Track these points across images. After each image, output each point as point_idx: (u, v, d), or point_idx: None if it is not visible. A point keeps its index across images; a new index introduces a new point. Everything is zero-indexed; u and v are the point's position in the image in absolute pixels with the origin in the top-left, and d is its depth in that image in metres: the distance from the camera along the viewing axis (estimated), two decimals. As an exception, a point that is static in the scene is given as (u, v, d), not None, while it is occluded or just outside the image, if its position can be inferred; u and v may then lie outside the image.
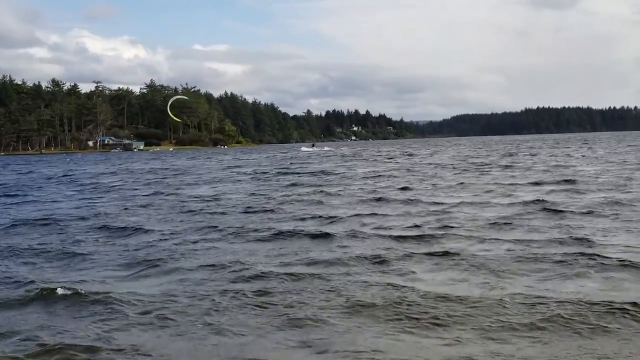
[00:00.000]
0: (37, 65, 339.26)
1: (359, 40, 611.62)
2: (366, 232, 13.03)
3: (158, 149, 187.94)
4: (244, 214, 16.97)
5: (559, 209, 15.58)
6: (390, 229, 13.46)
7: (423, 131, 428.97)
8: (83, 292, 8.43)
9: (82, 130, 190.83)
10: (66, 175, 40.30)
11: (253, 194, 23.33)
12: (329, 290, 8.38)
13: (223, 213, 17.34)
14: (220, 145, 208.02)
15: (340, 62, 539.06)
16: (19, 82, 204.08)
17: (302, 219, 15.33)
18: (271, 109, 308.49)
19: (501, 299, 7.78)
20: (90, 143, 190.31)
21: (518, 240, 11.66)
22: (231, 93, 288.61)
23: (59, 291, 8.40)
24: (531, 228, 13.09)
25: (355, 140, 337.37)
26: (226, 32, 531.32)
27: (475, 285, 8.58)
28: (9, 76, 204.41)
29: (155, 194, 25.46)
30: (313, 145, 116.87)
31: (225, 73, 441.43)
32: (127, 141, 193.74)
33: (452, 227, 13.40)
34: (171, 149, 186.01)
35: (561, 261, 9.72)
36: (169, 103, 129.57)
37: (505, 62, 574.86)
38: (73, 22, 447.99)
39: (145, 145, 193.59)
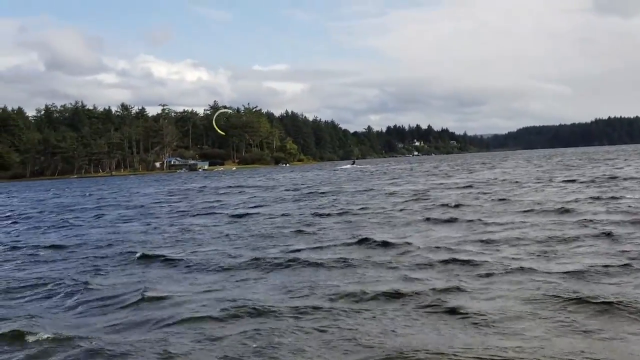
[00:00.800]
0: (106, 90, 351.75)
1: (415, 54, 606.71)
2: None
3: (222, 168, 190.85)
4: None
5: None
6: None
7: (488, 145, 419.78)
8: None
9: (150, 152, 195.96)
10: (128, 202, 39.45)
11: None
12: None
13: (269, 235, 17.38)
14: (282, 164, 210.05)
15: (397, 76, 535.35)
16: (90, 108, 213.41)
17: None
18: (331, 126, 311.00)
19: None
20: (158, 164, 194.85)
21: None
22: (291, 112, 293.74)
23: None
24: None
25: (417, 155, 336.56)
26: (284, 51, 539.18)
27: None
28: (81, 102, 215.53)
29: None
30: (353, 163, 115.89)
31: (285, 92, 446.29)
32: (192, 161, 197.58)
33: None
34: (234, 168, 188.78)
35: None
36: (214, 117, 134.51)
37: (570, 70, 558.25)
38: (138, 48, 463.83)
39: (209, 165, 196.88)
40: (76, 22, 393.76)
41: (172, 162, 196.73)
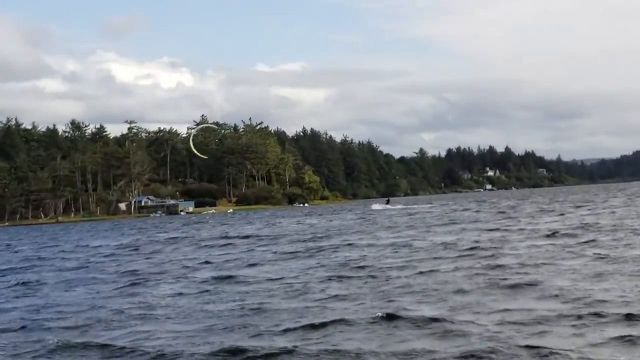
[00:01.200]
0: (49, 102, 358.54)
1: (487, 48, 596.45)
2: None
3: (212, 210, 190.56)
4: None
5: None
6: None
7: (591, 174, 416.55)
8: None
9: (112, 189, 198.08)
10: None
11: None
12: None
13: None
14: (299, 203, 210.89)
15: (461, 78, 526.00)
16: (28, 127, 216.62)
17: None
18: (368, 149, 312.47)
19: None
20: (123, 205, 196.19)
21: None
22: (311, 129, 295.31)
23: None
24: None
25: (491, 189, 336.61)
26: (299, 44, 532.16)
27: None
28: (15, 119, 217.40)
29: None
30: (387, 202, 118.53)
31: (301, 102, 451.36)
32: (172, 201, 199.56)
33: None
34: (230, 210, 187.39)
35: None
36: (191, 135, 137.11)
37: None
38: (93, 42, 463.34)
39: (195, 206, 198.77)
40: (8, 9, 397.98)
41: (143, 203, 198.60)
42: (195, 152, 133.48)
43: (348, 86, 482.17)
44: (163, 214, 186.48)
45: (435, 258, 27.22)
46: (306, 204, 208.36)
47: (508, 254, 26.96)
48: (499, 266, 23.05)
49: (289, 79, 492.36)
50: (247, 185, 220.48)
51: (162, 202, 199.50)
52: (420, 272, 22.75)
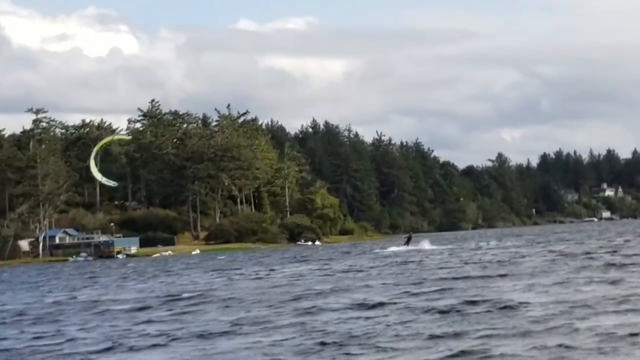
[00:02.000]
0: None
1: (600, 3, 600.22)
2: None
3: (168, 252, 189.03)
4: None
5: None
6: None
7: None
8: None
9: (7, 218, 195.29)
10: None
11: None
12: None
13: None
14: (305, 241, 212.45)
15: (562, 44, 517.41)
16: None
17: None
18: (416, 154, 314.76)
19: None
20: (25, 244, 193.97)
21: None
22: (325, 123, 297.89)
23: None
24: None
25: (610, 219, 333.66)
26: None
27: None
28: None
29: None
30: (408, 240, 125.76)
31: (308, 79, 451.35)
32: (103, 238, 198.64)
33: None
34: (195, 252, 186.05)
35: None
36: (96, 149, 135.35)
37: None
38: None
39: (142, 245, 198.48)
40: None
41: (57, 240, 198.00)
42: (100, 177, 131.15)
43: (381, 55, 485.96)
44: (89, 257, 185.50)
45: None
46: (317, 242, 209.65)
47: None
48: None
49: (288, 44, 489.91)
50: (223, 212, 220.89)
51: (87, 238, 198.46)
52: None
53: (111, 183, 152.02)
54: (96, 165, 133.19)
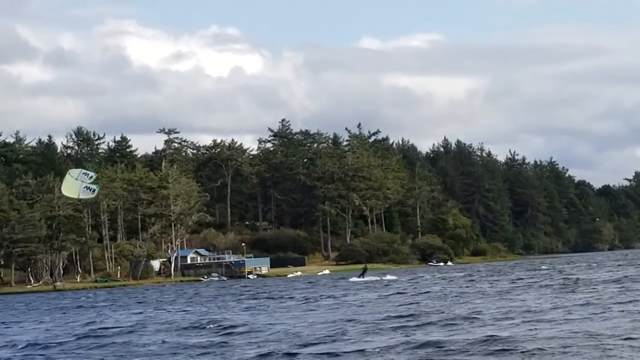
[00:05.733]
0: (27, 99, 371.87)
1: None
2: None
3: (298, 272, 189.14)
4: None
5: None
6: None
7: None
8: None
9: (140, 238, 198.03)
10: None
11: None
12: None
13: None
14: (437, 261, 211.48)
15: None
16: (9, 140, 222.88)
17: None
18: (550, 174, 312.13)
19: None
20: (156, 264, 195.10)
21: None
22: (457, 142, 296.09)
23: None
24: None
25: None
26: (428, 5, 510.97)
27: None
28: None
29: None
30: (363, 272, 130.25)
31: (432, 98, 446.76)
32: (234, 258, 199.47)
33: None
34: (324, 272, 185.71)
35: None
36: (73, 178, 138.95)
37: None
38: (97, 4, 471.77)
39: (273, 265, 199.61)
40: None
41: (188, 260, 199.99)
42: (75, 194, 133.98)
43: (506, 73, 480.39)
44: (220, 276, 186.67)
45: None
46: (449, 262, 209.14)
47: None
48: None
49: (411, 62, 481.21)
50: (354, 233, 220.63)
51: (219, 258, 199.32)
52: None
53: (90, 190, 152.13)
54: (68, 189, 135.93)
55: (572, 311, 51.46)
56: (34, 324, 71.85)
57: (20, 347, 51.26)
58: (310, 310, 70.20)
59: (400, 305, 66.87)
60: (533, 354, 34.54)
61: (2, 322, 76.49)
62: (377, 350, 38.67)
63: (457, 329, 45.43)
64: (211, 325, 57.74)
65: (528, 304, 58.49)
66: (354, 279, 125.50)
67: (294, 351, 40.11)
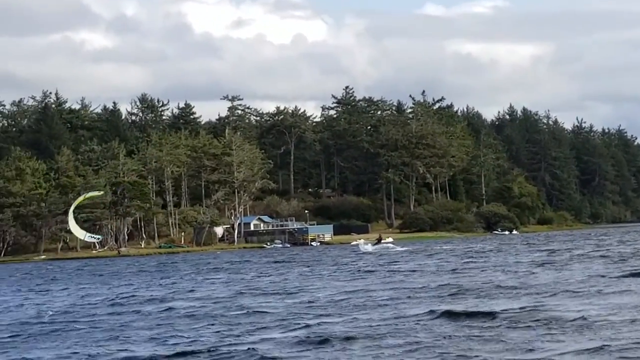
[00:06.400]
0: (90, 65, 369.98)
1: None
2: None
3: (361, 239, 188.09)
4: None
5: None
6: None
7: None
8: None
9: (203, 205, 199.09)
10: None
11: None
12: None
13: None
14: (502, 230, 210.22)
15: None
16: (75, 107, 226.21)
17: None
18: (618, 141, 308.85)
19: None
20: (220, 230, 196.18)
21: None
22: (523, 109, 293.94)
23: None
24: None
25: None
26: None
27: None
28: (54, 95, 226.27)
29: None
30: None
31: (495, 65, 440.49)
32: (298, 225, 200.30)
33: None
34: (388, 239, 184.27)
35: None
36: (74, 204, 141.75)
37: None
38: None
39: (336, 233, 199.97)
40: None
41: (252, 227, 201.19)
42: (82, 235, 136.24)
43: (571, 39, 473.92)
44: (284, 244, 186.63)
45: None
46: (515, 231, 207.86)
47: None
48: None
49: (475, 28, 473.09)
50: (417, 200, 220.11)
51: (282, 224, 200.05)
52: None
53: (95, 238, 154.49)
54: (72, 221, 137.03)
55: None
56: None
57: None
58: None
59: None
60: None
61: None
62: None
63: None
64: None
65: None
66: (367, 247, 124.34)
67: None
